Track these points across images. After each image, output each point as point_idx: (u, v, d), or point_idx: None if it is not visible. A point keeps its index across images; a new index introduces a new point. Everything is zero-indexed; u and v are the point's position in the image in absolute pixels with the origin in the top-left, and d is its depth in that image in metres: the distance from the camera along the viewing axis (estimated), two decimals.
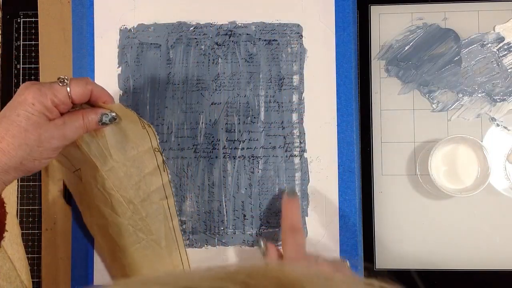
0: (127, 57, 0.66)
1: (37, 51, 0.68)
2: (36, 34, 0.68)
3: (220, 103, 0.65)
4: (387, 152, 0.66)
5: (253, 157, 0.64)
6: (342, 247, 0.63)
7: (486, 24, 0.66)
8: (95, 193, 0.58)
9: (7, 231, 0.54)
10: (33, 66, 0.68)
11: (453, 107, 0.66)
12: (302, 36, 0.65)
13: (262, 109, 0.65)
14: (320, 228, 0.64)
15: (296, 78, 0.65)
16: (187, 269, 0.62)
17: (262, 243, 0.58)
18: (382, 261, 0.65)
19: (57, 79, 0.50)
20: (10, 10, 0.69)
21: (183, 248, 0.62)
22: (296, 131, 0.64)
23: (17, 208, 0.67)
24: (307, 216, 0.64)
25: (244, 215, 0.64)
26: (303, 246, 0.56)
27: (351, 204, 0.63)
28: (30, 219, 0.67)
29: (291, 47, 0.65)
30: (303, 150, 0.64)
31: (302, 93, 0.65)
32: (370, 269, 0.64)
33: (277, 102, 0.65)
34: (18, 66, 0.69)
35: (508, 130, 0.66)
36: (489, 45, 0.66)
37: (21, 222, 0.67)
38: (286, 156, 0.64)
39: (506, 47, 0.66)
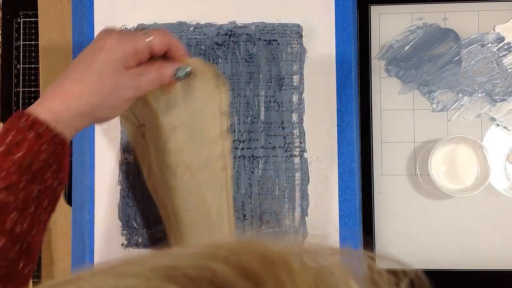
0: None
1: (37, 51, 0.68)
2: (36, 34, 0.68)
3: None
4: (387, 152, 0.66)
5: (253, 157, 0.64)
6: (342, 247, 0.63)
7: (486, 24, 0.66)
8: (156, 152, 0.56)
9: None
10: (33, 66, 0.68)
11: (453, 107, 0.66)
12: (302, 36, 0.65)
13: (262, 109, 0.65)
14: (320, 228, 0.64)
15: (296, 78, 0.65)
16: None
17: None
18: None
19: (136, 26, 0.47)
20: (10, 10, 0.69)
21: (233, 224, 0.60)
22: (296, 131, 0.64)
23: None
24: (307, 216, 0.64)
25: (244, 215, 0.64)
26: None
27: (351, 204, 0.63)
28: None
29: (291, 47, 0.65)
30: (303, 150, 0.64)
31: (302, 93, 0.65)
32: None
33: (277, 102, 0.65)
34: (18, 66, 0.69)
35: (508, 130, 0.66)
36: (489, 45, 0.66)
37: None
38: (286, 156, 0.64)
39: (506, 47, 0.66)
